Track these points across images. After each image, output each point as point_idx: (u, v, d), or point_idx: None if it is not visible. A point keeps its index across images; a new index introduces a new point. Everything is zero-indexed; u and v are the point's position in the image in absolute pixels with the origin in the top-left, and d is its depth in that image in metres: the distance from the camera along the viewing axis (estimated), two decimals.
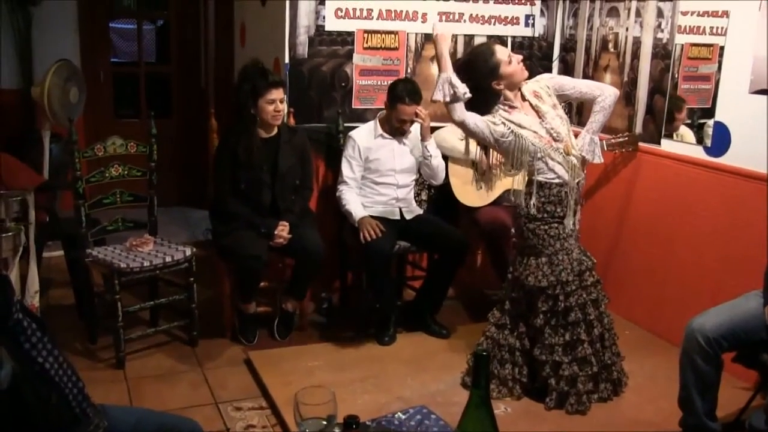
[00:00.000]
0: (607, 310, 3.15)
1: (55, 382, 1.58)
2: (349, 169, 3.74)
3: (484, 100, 2.94)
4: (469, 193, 3.95)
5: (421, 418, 1.95)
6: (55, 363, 1.58)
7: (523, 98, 3.01)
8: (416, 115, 3.64)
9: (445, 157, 3.89)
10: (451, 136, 3.97)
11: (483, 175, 3.69)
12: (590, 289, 3.01)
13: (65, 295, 4.02)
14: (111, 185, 3.62)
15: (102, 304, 3.52)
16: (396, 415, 1.98)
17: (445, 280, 3.79)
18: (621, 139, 3.90)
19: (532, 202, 2.95)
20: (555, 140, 2.95)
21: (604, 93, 3.04)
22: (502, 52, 2.95)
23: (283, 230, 3.48)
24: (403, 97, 3.60)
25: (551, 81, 3.12)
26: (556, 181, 2.95)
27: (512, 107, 2.97)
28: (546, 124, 2.96)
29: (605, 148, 3.80)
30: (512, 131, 2.91)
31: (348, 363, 3.43)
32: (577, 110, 4.32)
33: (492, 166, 3.45)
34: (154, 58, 6.86)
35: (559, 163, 2.95)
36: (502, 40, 4.34)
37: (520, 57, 3.02)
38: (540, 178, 2.95)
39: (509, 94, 2.98)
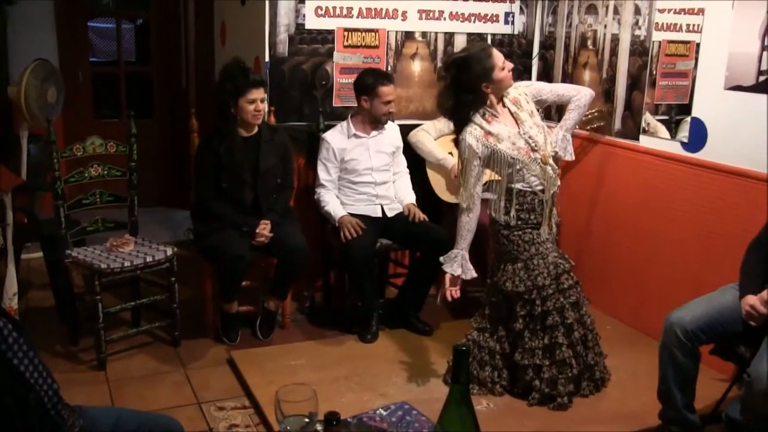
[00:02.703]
0: (589, 310, 3.18)
1: (30, 383, 1.57)
2: (325, 172, 3.75)
3: (471, 100, 2.95)
4: (445, 189, 4.00)
5: (402, 413, 1.96)
6: (30, 365, 1.57)
7: (503, 105, 3.03)
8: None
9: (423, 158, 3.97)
10: (428, 139, 4.01)
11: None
12: (568, 292, 3.03)
13: (45, 297, 3.99)
14: (91, 186, 3.59)
15: (82, 306, 3.50)
16: (377, 411, 2.00)
17: (427, 278, 3.80)
18: (590, 116, 3.93)
19: (511, 213, 2.99)
20: (533, 150, 2.97)
21: (580, 93, 3.13)
22: (497, 57, 2.96)
23: (264, 229, 3.48)
24: (380, 80, 3.66)
25: (529, 88, 3.15)
26: (531, 189, 2.99)
27: (493, 116, 2.98)
28: (524, 133, 2.98)
29: (576, 128, 3.84)
30: (490, 149, 2.93)
31: (331, 361, 3.43)
32: (557, 110, 4.34)
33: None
34: (134, 57, 6.81)
35: (535, 175, 2.97)
36: (482, 37, 4.36)
37: (512, 65, 3.05)
38: (517, 186, 2.97)
39: (493, 99, 2.99)
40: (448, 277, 3.02)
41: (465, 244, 3.00)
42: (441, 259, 3.04)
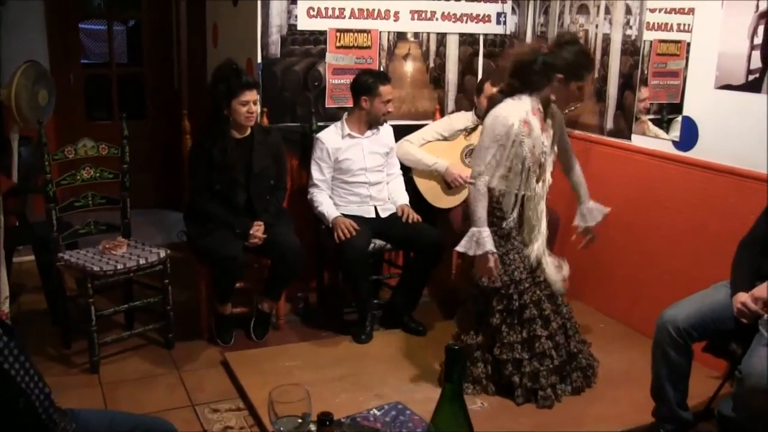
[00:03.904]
0: (565, 300, 3.19)
1: (21, 388, 1.56)
2: (318, 172, 3.75)
3: (544, 79, 2.87)
4: (440, 197, 4.00)
5: (396, 413, 1.97)
6: (21, 369, 1.56)
7: (545, 110, 2.98)
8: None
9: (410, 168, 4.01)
10: (413, 148, 4.01)
11: (450, 187, 3.79)
12: (544, 284, 3.05)
13: (37, 301, 3.97)
14: (83, 188, 3.58)
15: (75, 309, 3.49)
16: (371, 411, 2.00)
17: (421, 278, 3.80)
18: None
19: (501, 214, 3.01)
20: (539, 164, 2.98)
21: (575, 166, 3.24)
22: (586, 77, 2.92)
23: (257, 230, 3.48)
24: (380, 80, 3.67)
25: (563, 122, 3.16)
26: (516, 192, 2.98)
27: (538, 110, 2.93)
28: (543, 143, 2.96)
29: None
30: (519, 138, 2.88)
31: (325, 362, 3.43)
32: None
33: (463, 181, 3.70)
34: (125, 59, 6.80)
35: (526, 184, 2.97)
36: (474, 37, 4.37)
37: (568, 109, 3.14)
38: (502, 186, 2.97)
39: (550, 97, 2.95)
40: (477, 263, 2.91)
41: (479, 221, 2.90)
42: (459, 247, 2.93)
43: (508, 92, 2.94)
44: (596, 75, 4.04)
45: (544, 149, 2.98)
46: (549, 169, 3.07)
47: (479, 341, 3.09)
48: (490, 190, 2.95)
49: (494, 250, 2.89)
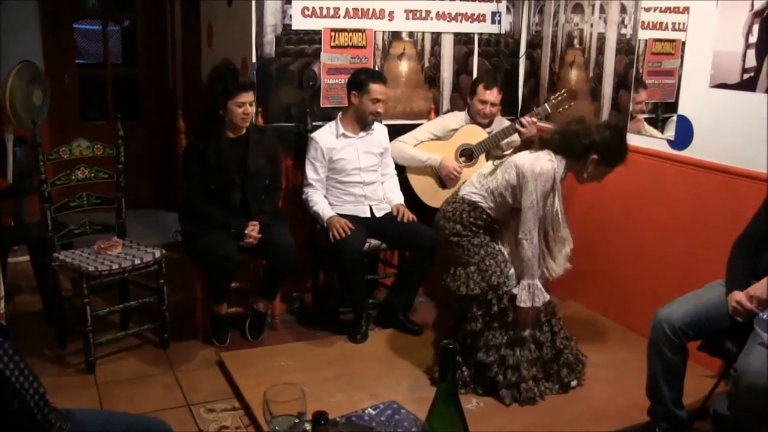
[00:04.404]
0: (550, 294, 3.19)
1: (16, 388, 1.56)
2: (313, 171, 3.75)
3: (581, 151, 2.97)
4: (435, 197, 4.00)
5: (391, 413, 1.96)
6: (15, 369, 1.56)
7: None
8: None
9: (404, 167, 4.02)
10: (406, 147, 4.01)
11: (445, 186, 3.84)
12: None
13: (32, 301, 3.96)
14: (78, 188, 3.57)
15: (70, 309, 3.48)
16: (366, 411, 1.99)
17: (416, 278, 3.80)
18: (560, 98, 3.94)
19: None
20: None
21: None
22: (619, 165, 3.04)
23: (253, 230, 3.47)
24: (372, 77, 3.67)
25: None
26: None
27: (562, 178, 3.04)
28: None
29: (549, 111, 3.87)
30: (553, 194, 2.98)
31: (321, 362, 3.43)
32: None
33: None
34: (120, 59, 6.78)
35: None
36: (468, 36, 4.38)
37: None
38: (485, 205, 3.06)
39: (578, 173, 3.04)
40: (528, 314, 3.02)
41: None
42: (518, 301, 2.99)
43: (551, 147, 3.01)
44: (591, 74, 4.05)
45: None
46: None
47: (457, 346, 3.09)
48: (478, 206, 3.06)
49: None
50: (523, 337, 3.04)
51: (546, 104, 3.96)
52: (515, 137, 3.92)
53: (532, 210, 2.92)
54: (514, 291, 3.01)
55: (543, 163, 2.92)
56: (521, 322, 3.03)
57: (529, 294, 2.97)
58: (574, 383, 3.18)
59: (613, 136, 2.97)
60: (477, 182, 3.14)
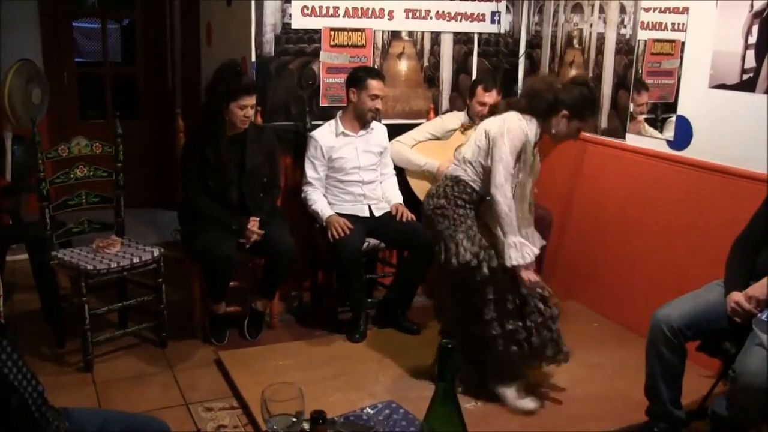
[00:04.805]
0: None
1: (14, 386, 1.55)
2: (312, 170, 3.75)
3: (552, 107, 2.96)
4: None
5: (389, 412, 1.96)
6: (14, 367, 1.56)
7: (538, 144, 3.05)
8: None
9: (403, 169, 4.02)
10: (404, 149, 4.02)
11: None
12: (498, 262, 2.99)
13: (31, 300, 3.95)
14: (76, 186, 3.57)
15: (69, 308, 3.47)
16: (364, 410, 2.00)
17: (415, 277, 3.80)
18: None
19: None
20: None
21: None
22: (590, 123, 3.07)
23: (254, 225, 3.46)
24: (370, 74, 3.67)
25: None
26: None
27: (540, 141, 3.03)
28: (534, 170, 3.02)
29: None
30: (525, 153, 2.95)
31: (319, 361, 3.42)
32: None
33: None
34: (119, 58, 6.78)
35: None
36: (468, 36, 4.38)
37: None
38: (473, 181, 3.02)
39: (548, 131, 3.02)
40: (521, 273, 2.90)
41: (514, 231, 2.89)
42: (506, 261, 2.88)
43: (516, 108, 3.01)
44: (590, 74, 4.05)
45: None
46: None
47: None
48: (461, 180, 3.02)
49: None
50: (521, 303, 2.95)
51: None
52: None
53: (502, 163, 2.89)
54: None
55: (511, 121, 2.94)
56: (520, 281, 2.92)
57: (518, 251, 2.86)
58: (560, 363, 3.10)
59: (581, 91, 2.98)
60: (455, 157, 3.14)
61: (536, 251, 2.93)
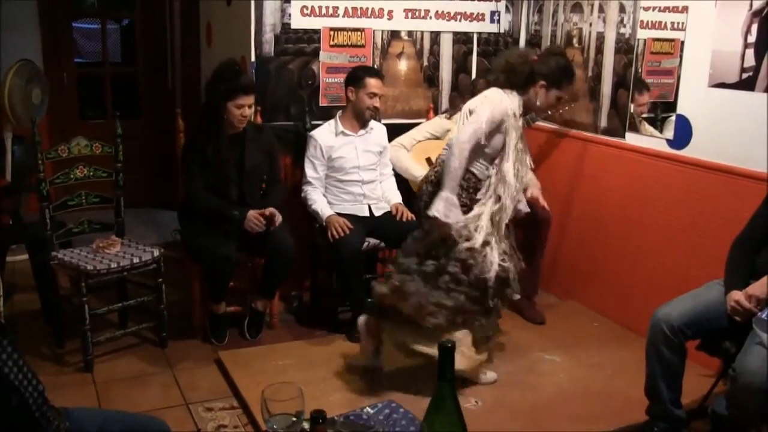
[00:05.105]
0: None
1: (14, 386, 1.56)
2: (312, 170, 3.75)
3: (529, 80, 3.02)
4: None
5: (389, 412, 1.97)
6: (14, 367, 1.56)
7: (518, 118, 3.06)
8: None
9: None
10: (404, 156, 4.01)
11: None
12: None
13: (31, 300, 3.95)
14: (76, 187, 3.57)
15: (69, 308, 3.47)
16: (364, 410, 2.00)
17: None
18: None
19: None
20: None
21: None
22: (569, 90, 3.12)
23: (256, 216, 3.42)
24: (370, 73, 3.68)
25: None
26: (478, 175, 3.03)
27: (521, 115, 3.06)
28: (517, 146, 3.04)
29: (549, 112, 3.91)
30: (505, 126, 2.97)
31: (319, 361, 3.42)
32: None
33: None
34: (119, 58, 6.78)
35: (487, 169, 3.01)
36: (468, 36, 4.38)
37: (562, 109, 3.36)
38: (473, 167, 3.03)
39: (531, 105, 3.06)
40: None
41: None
42: (431, 210, 2.92)
43: (496, 84, 3.07)
44: (590, 73, 4.05)
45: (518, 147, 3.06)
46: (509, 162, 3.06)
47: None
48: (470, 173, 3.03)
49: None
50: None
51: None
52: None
53: (473, 126, 2.94)
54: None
55: (492, 95, 3.01)
56: (433, 230, 2.97)
57: (446, 205, 2.90)
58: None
59: (557, 60, 3.04)
60: (447, 143, 3.17)
61: (461, 219, 2.94)
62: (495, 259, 2.99)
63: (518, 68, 3.03)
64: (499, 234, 3.04)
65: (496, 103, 2.97)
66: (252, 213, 3.43)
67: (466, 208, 3.02)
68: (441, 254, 2.98)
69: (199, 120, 3.60)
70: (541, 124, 4.17)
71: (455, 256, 2.96)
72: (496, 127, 2.96)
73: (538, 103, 3.06)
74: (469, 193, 3.04)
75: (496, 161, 3.02)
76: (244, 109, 3.44)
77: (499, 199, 3.01)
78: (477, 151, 2.99)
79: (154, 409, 2.92)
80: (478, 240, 2.96)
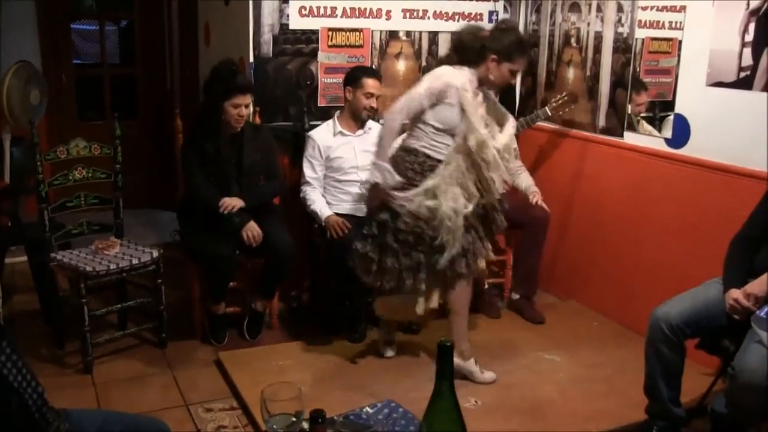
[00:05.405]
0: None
1: (14, 387, 1.56)
2: (311, 170, 3.75)
3: (478, 56, 3.07)
4: None
5: (389, 411, 1.96)
6: (13, 368, 1.56)
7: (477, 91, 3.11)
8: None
9: None
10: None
11: None
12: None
13: (30, 301, 3.95)
14: (75, 188, 3.57)
15: (68, 309, 3.47)
16: (364, 409, 1.99)
17: None
18: (561, 101, 3.97)
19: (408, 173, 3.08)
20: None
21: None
22: (520, 64, 3.12)
23: (254, 228, 3.43)
24: (367, 73, 3.69)
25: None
26: (433, 154, 3.06)
27: (472, 82, 3.08)
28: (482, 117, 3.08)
29: (550, 114, 3.97)
30: (458, 99, 3.00)
31: (319, 361, 3.43)
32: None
33: None
34: (118, 59, 6.78)
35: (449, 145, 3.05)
36: None
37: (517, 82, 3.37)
38: (419, 145, 3.08)
39: (488, 78, 3.09)
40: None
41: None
42: (369, 177, 3.10)
43: (447, 62, 3.15)
44: (588, 73, 4.05)
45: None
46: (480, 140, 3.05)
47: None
48: (411, 149, 3.10)
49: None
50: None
51: (546, 107, 3.99)
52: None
53: (410, 95, 3.06)
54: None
55: (435, 71, 3.11)
56: (370, 198, 3.15)
57: (381, 172, 3.03)
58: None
59: (507, 34, 3.08)
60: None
61: (397, 179, 3.03)
62: (446, 212, 3.00)
63: (468, 44, 3.09)
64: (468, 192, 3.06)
65: (437, 75, 3.06)
66: (253, 225, 3.43)
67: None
68: (388, 218, 3.07)
69: (196, 118, 3.59)
70: (540, 124, 4.17)
71: (404, 219, 3.03)
72: (439, 100, 3.01)
73: (491, 78, 3.09)
74: (424, 176, 3.06)
75: (458, 138, 3.02)
76: (241, 108, 3.44)
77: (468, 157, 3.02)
78: (425, 129, 3.06)
79: (153, 410, 2.92)
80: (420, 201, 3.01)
